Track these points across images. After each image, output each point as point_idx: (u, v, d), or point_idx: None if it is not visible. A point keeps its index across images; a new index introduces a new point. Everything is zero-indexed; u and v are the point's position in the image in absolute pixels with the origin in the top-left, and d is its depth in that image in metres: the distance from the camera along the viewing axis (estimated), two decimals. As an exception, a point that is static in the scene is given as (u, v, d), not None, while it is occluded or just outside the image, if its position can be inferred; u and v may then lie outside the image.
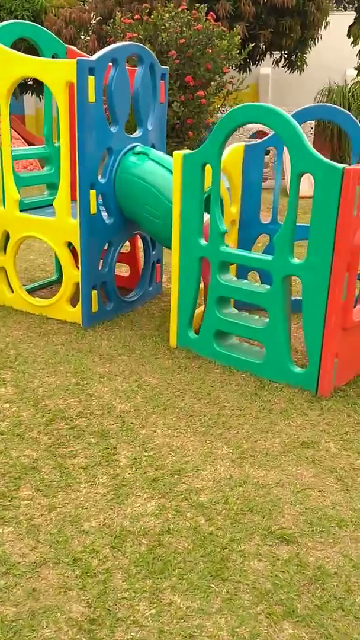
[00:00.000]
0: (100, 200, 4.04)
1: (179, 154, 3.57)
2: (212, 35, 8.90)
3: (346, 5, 18.67)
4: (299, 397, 3.32)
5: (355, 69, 13.59)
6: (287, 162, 8.58)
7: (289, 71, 14.63)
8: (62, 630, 1.87)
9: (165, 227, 3.92)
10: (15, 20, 4.55)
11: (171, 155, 4.14)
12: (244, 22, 11.69)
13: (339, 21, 14.29)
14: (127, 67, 4.02)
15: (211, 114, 9.71)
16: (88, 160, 3.84)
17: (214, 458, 2.76)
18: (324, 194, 3.09)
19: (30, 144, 11.14)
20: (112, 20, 10.26)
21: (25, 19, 11.73)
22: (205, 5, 9.55)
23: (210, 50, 8.92)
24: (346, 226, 3.07)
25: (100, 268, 4.21)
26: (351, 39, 13.55)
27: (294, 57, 14.24)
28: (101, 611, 1.93)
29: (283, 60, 14.47)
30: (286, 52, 14.06)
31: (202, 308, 4.04)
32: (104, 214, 4.12)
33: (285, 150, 4.32)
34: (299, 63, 14.30)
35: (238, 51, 9.40)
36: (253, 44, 11.30)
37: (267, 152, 4.38)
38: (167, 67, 4.61)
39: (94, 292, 4.15)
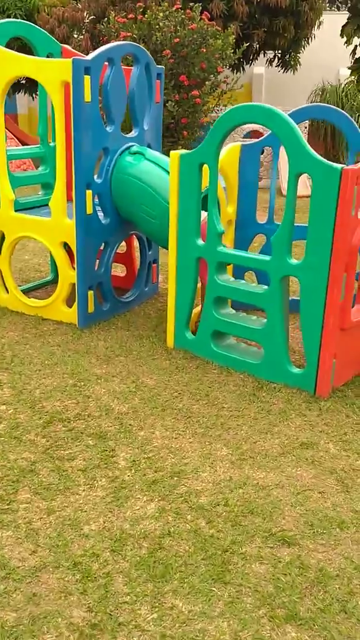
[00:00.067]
0: (97, 200, 4.02)
1: (176, 154, 3.56)
2: (206, 35, 8.88)
3: (339, 5, 18.70)
4: (297, 397, 3.31)
5: (349, 68, 13.60)
6: (282, 162, 8.57)
7: (282, 71, 14.63)
8: (64, 636, 1.85)
9: (161, 227, 3.90)
10: (10, 19, 4.53)
11: (166, 154, 4.13)
12: (238, 22, 11.67)
13: (332, 21, 14.30)
14: (122, 67, 4.00)
15: (206, 114, 9.70)
16: (84, 160, 3.82)
17: (213, 459, 2.75)
18: (322, 194, 3.08)
19: (23, 143, 11.10)
20: (105, 19, 10.23)
21: (17, 18, 11.68)
22: (200, 4, 9.53)
23: (204, 50, 8.91)
24: (344, 226, 3.07)
25: (96, 268, 4.19)
26: (344, 38, 13.55)
27: (287, 56, 14.24)
28: (102, 616, 1.92)
29: (276, 59, 14.47)
30: (280, 51, 14.06)
31: (198, 308, 4.03)
32: (100, 214, 4.10)
33: (280, 150, 4.35)
34: (292, 62, 14.31)
35: (232, 51, 9.39)
36: (247, 44, 11.29)
37: (262, 152, 4.36)
38: (162, 66, 4.59)
39: (90, 293, 4.13)
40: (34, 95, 13.71)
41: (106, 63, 3.86)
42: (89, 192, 3.88)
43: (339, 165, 3.02)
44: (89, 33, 11.84)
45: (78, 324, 4.15)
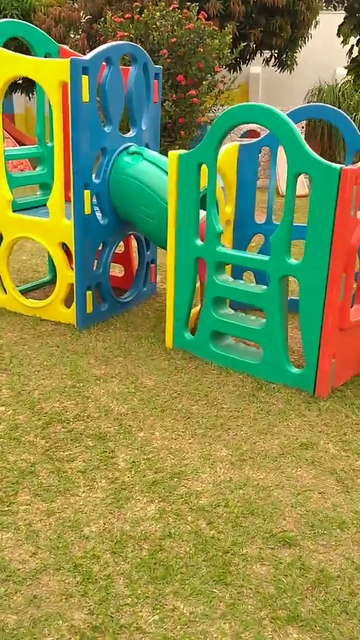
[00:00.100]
0: (95, 200, 4.01)
1: (174, 154, 3.55)
2: (203, 35, 8.88)
3: (336, 4, 18.72)
4: (296, 397, 3.31)
5: (345, 68, 13.62)
6: (279, 162, 8.56)
7: (279, 70, 14.64)
8: (65, 638, 1.84)
9: (159, 227, 3.89)
10: (8, 19, 4.51)
11: (164, 154, 4.13)
12: (234, 22, 11.67)
13: (329, 20, 14.32)
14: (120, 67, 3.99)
15: (203, 113, 9.70)
16: (82, 161, 3.81)
17: (213, 460, 2.74)
18: (321, 194, 3.07)
19: (20, 143, 11.07)
20: (102, 19, 10.21)
21: (14, 18, 11.66)
22: (196, 4, 9.52)
23: (201, 50, 8.90)
24: (343, 226, 3.06)
25: (94, 269, 4.18)
26: (341, 38, 13.58)
27: (284, 56, 14.25)
28: (104, 618, 1.91)
29: (273, 59, 14.47)
30: (276, 51, 14.07)
31: (197, 308, 4.03)
32: (98, 215, 4.09)
33: (278, 150, 4.34)
34: (289, 62, 14.32)
35: (229, 50, 9.38)
36: (244, 44, 11.29)
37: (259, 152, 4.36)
38: (160, 66, 4.59)
39: (89, 293, 4.12)
40: (30, 95, 13.69)
41: (104, 63, 3.85)
42: (87, 193, 3.87)
43: (338, 166, 3.01)
44: (85, 33, 11.83)
45: (76, 325, 4.14)
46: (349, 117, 4.25)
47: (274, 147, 4.33)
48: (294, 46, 13.92)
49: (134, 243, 4.81)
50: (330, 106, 4.44)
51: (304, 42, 14.02)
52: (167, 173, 3.82)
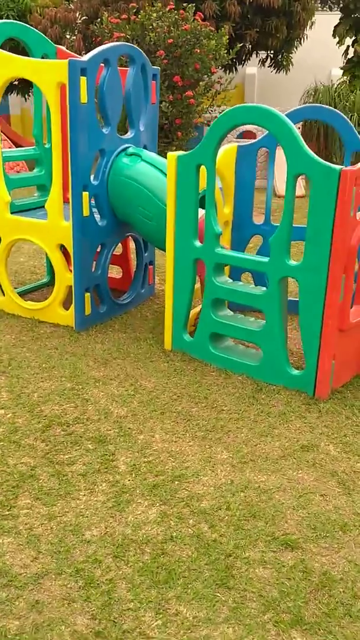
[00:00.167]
0: (93, 202, 3.99)
1: (173, 155, 3.54)
2: (200, 35, 8.86)
3: (331, 5, 18.74)
4: (296, 399, 3.30)
5: (341, 68, 13.62)
6: (277, 163, 8.55)
7: (274, 71, 14.63)
8: (67, 644, 1.83)
9: (158, 228, 3.88)
10: (5, 20, 4.49)
11: (161, 155, 4.12)
12: (230, 22, 11.66)
13: (325, 21, 14.31)
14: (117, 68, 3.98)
15: (199, 114, 9.68)
16: (80, 162, 3.79)
17: (214, 463, 2.73)
18: (321, 195, 3.07)
19: (16, 144, 11.04)
20: (98, 19, 10.19)
21: (10, 19, 11.62)
22: (193, 5, 9.51)
23: (198, 51, 8.89)
24: (343, 227, 3.06)
25: (93, 270, 4.17)
26: (336, 38, 13.58)
27: (279, 57, 14.24)
28: (106, 623, 1.90)
29: (269, 60, 14.46)
30: (272, 52, 14.05)
31: (196, 309, 4.02)
32: (97, 216, 4.08)
33: (276, 151, 4.34)
34: (284, 63, 14.30)
35: (226, 51, 9.37)
36: (241, 44, 11.28)
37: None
38: (158, 67, 4.58)
39: (87, 295, 4.10)
40: (26, 96, 13.65)
41: (102, 64, 3.84)
42: (85, 194, 3.86)
43: (338, 167, 3.01)
44: (81, 34, 11.80)
45: (75, 327, 4.12)
46: (347, 118, 4.25)
47: (272, 148, 4.33)
48: (290, 47, 13.91)
49: (132, 244, 4.80)
50: (328, 107, 4.43)
51: (300, 43, 14.01)
52: (165, 174, 3.81)
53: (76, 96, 3.64)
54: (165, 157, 3.72)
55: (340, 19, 13.42)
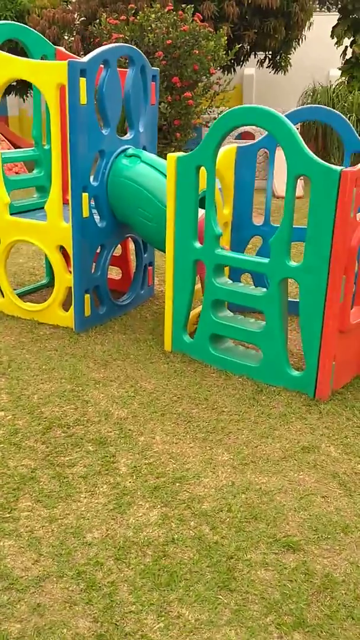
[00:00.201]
0: (92, 203, 3.99)
1: (173, 156, 3.54)
2: (198, 36, 8.86)
3: (329, 6, 18.75)
4: (297, 400, 3.30)
5: (339, 69, 13.63)
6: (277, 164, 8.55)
7: (273, 72, 14.64)
8: (69, 647, 1.83)
9: (158, 229, 3.88)
10: (4, 22, 4.49)
11: (160, 156, 4.11)
12: (229, 23, 11.67)
13: (323, 22, 14.32)
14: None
15: (198, 115, 9.68)
16: (80, 163, 3.79)
17: (214, 465, 2.73)
18: (321, 196, 3.07)
19: (15, 145, 11.04)
20: (97, 20, 10.19)
21: (8, 20, 11.61)
22: (191, 6, 9.51)
23: (197, 51, 8.89)
24: (343, 228, 3.06)
25: (92, 271, 4.16)
26: (335, 39, 13.59)
27: (278, 57, 14.24)
28: (108, 626, 1.89)
29: (267, 60, 14.47)
30: (270, 52, 14.06)
31: (196, 310, 4.01)
32: (96, 217, 4.07)
33: (276, 152, 4.34)
34: (283, 63, 14.31)
35: (225, 52, 9.37)
36: (239, 45, 11.28)
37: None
38: (157, 68, 4.57)
39: (87, 296, 4.10)
40: (24, 97, 13.64)
41: (102, 65, 3.83)
42: (85, 195, 3.85)
43: (338, 167, 3.01)
44: (79, 35, 11.80)
45: (75, 328, 4.12)
46: (346, 119, 4.25)
47: (272, 149, 4.33)
48: (288, 47, 13.91)
49: (131, 246, 4.79)
50: (328, 108, 4.43)
51: (298, 44, 14.02)
52: (165, 175, 3.81)
53: (76, 97, 3.63)
54: (164, 158, 3.72)
55: (338, 20, 13.42)
